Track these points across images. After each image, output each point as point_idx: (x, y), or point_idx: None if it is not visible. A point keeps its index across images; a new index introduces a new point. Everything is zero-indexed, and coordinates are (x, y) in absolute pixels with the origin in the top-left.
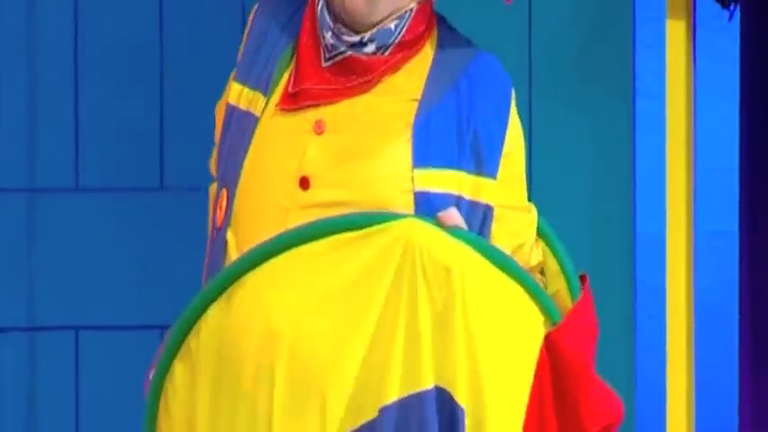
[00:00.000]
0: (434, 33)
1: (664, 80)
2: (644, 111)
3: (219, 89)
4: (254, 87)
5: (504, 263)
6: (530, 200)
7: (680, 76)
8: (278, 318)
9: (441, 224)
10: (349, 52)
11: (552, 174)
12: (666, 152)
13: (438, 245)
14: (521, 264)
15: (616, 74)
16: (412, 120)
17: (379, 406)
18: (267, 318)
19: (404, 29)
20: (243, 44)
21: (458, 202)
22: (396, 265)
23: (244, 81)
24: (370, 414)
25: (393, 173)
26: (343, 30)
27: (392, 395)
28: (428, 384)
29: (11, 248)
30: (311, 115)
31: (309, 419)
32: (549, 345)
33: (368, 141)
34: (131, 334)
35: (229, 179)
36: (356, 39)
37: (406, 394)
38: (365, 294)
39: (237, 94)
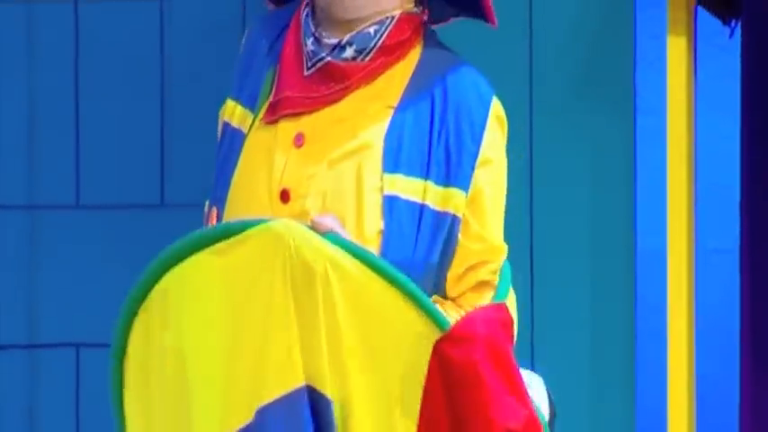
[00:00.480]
0: (420, 44)
1: (664, 96)
2: (644, 127)
3: (220, 107)
4: (246, 105)
5: (382, 270)
6: (530, 216)
7: (680, 92)
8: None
9: (315, 228)
10: (328, 58)
11: (553, 190)
12: (667, 169)
13: (306, 247)
14: (466, 283)
15: (617, 90)
16: (385, 128)
17: (257, 407)
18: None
19: (384, 34)
20: (237, 61)
21: (421, 210)
22: (270, 268)
23: (237, 98)
24: (247, 416)
25: (366, 181)
26: (324, 33)
27: (270, 394)
28: (300, 382)
29: (12, 265)
30: (292, 128)
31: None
32: (437, 353)
33: (344, 150)
34: None
35: (219, 197)
36: (335, 41)
37: (283, 393)
38: (246, 297)
39: (231, 110)
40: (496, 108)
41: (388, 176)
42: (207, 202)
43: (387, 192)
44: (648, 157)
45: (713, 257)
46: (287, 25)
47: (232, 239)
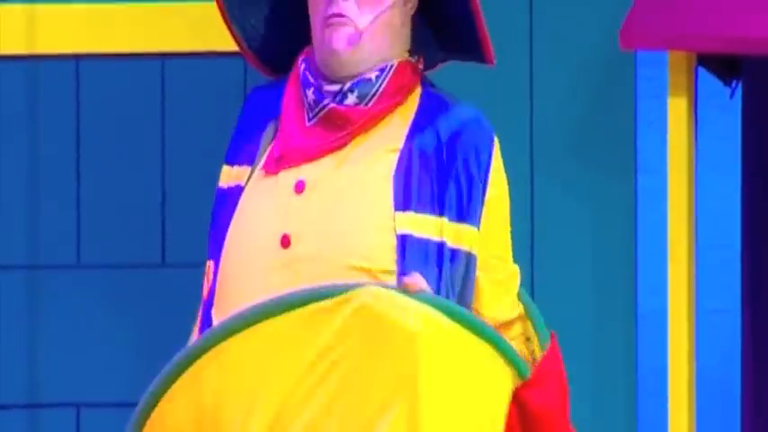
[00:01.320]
0: (419, 88)
1: (665, 156)
2: (645, 187)
3: (221, 165)
4: (242, 163)
5: (470, 323)
6: (531, 275)
7: (681, 152)
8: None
9: (405, 290)
10: (331, 104)
11: (553, 249)
12: (668, 228)
13: (400, 312)
14: (502, 315)
15: (617, 150)
16: (392, 169)
17: None
18: (250, 396)
19: (385, 80)
20: (235, 129)
21: (439, 248)
22: (358, 336)
23: (232, 162)
24: None
25: (374, 221)
26: (324, 83)
27: None
28: None
29: (12, 325)
30: (293, 175)
31: None
32: (517, 399)
33: (348, 193)
34: (133, 411)
35: (215, 249)
36: (336, 88)
37: None
38: (332, 366)
39: (227, 175)
40: (496, 143)
41: (399, 215)
42: (207, 263)
43: (399, 230)
44: (649, 217)
45: (714, 317)
46: (285, 87)
47: (315, 306)
